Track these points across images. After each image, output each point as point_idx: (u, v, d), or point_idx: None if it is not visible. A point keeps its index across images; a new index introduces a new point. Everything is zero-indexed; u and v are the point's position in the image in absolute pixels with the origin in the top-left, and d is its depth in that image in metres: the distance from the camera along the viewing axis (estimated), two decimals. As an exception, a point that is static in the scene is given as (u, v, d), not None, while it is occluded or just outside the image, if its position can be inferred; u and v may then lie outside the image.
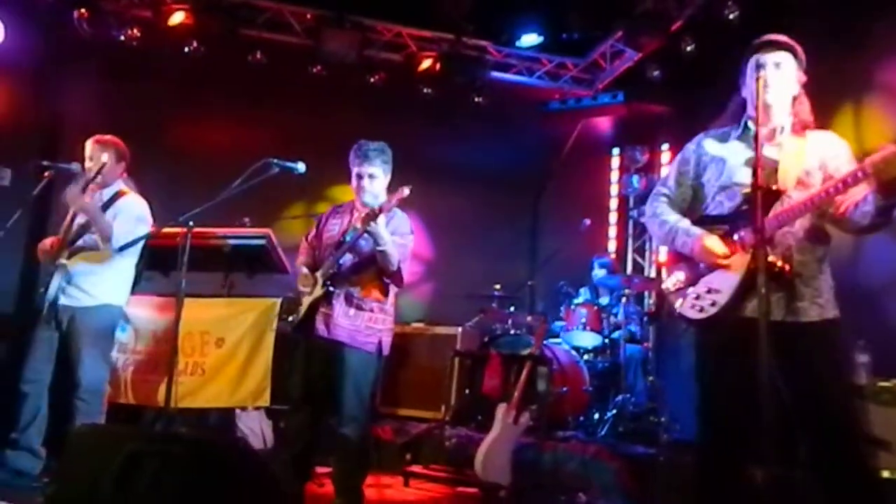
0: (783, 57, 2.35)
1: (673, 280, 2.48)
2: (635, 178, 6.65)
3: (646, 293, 6.20)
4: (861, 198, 2.16)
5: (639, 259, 6.88)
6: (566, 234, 6.12)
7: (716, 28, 4.61)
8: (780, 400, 2.73)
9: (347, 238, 3.17)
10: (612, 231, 6.97)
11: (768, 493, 3.32)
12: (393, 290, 3.29)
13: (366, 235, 3.04)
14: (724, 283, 2.26)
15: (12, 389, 3.40)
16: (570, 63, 6.39)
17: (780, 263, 2.17)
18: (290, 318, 3.28)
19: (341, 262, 3.17)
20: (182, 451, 2.14)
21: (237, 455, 2.27)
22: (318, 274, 3.20)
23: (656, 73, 5.51)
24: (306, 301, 3.21)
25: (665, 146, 6.57)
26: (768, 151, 2.33)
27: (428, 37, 6.04)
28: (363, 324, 3.17)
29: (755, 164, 2.09)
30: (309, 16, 5.79)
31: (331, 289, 3.14)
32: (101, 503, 2.04)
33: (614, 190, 6.95)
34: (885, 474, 3.32)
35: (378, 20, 5.93)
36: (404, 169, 5.92)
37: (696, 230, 2.38)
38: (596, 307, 5.23)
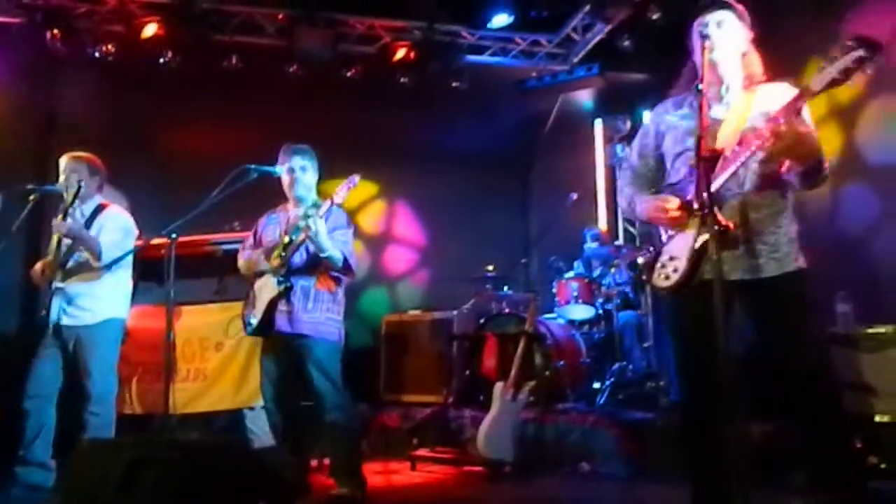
0: (724, 15, 2.38)
1: (643, 254, 2.56)
2: (619, 148, 6.68)
3: (638, 259, 6.25)
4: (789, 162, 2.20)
5: (630, 228, 6.93)
6: (556, 209, 6.18)
7: (681, -6, 4.62)
8: (742, 356, 2.82)
9: (293, 236, 3.27)
10: (602, 202, 7.01)
11: (751, 446, 3.44)
12: (344, 280, 3.43)
13: (307, 240, 3.17)
14: (681, 251, 2.30)
15: (18, 408, 3.51)
16: (543, 40, 6.40)
17: (724, 222, 2.16)
18: (251, 321, 3.37)
19: (292, 259, 3.28)
20: (180, 457, 2.23)
21: (235, 456, 2.37)
22: (269, 273, 3.32)
23: (626, 43, 5.53)
24: (263, 300, 3.31)
25: (646, 113, 6.58)
26: (715, 112, 2.38)
27: (400, 27, 6.06)
28: (322, 315, 3.31)
29: (698, 129, 2.12)
30: (280, 16, 5.81)
31: (288, 285, 3.26)
32: (105, 511, 2.14)
33: (600, 161, 6.99)
34: (877, 419, 3.42)
35: (349, 14, 5.94)
36: (390, 158, 6.06)
37: (649, 196, 2.43)
38: (587, 280, 5.29)
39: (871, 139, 4.41)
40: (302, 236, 3.18)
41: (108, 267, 3.57)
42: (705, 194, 2.09)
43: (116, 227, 3.66)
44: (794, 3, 4.77)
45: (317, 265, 3.30)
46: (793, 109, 2.09)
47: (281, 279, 3.27)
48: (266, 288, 3.33)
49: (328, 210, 3.22)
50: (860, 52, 1.97)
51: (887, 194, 4.31)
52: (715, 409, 2.28)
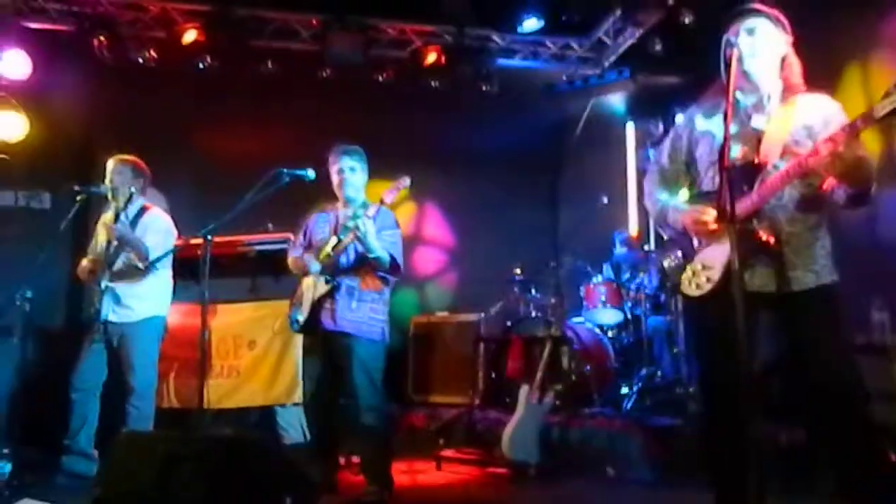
0: (756, 22, 2.33)
1: (670, 258, 2.55)
2: (651, 152, 6.63)
3: (665, 263, 6.19)
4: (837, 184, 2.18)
5: (661, 232, 6.87)
6: (586, 212, 6.17)
7: (713, -3, 4.58)
8: (772, 364, 2.80)
9: (342, 236, 3.34)
10: (632, 205, 6.97)
11: (775, 456, 3.41)
12: (391, 280, 3.47)
13: (355, 241, 3.23)
14: (715, 260, 2.30)
15: (64, 400, 3.68)
16: (574, 44, 6.40)
17: (764, 237, 2.19)
18: (298, 317, 3.45)
19: (339, 258, 3.35)
20: (214, 451, 2.33)
21: (265, 451, 2.45)
22: (318, 271, 3.39)
23: (658, 47, 5.50)
24: (308, 297, 3.39)
25: (679, 117, 6.53)
26: (756, 122, 2.35)
27: (431, 31, 6.13)
28: (366, 315, 3.36)
29: (722, 141, 2.10)
30: (314, 21, 5.93)
31: (334, 283, 3.33)
32: (143, 501, 2.24)
33: (631, 164, 6.95)
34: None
35: (381, 19, 6.03)
36: (420, 161, 6.12)
37: (685, 205, 2.42)
38: (615, 284, 5.29)
39: (910, 146, 4.32)
40: (350, 236, 3.24)
41: (154, 266, 3.71)
42: (741, 205, 2.07)
43: (159, 230, 3.80)
44: (829, 4, 4.68)
45: (363, 265, 3.36)
46: (853, 133, 2.05)
47: (328, 278, 3.34)
48: (313, 286, 3.41)
49: (377, 211, 3.28)
50: None
51: (926, 202, 4.21)
52: (738, 417, 2.29)
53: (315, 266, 3.41)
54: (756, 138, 2.32)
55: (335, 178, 3.49)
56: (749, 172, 2.28)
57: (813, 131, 2.28)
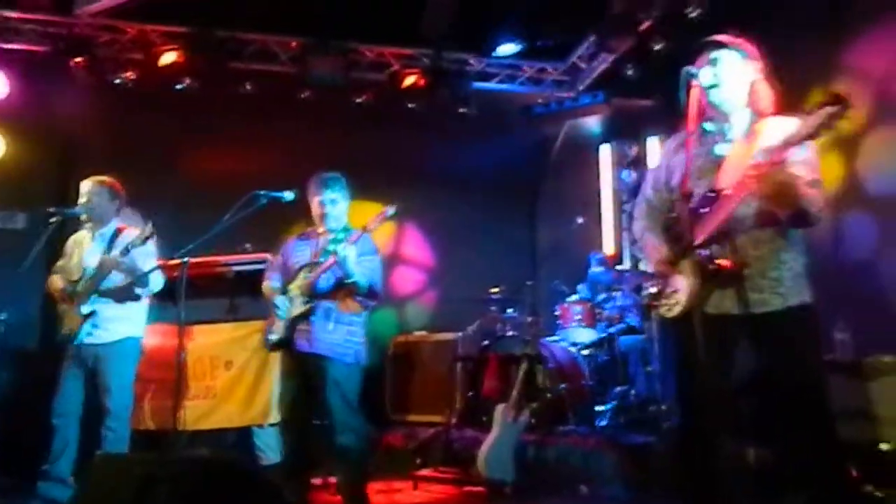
0: (719, 54, 2.40)
1: (650, 285, 2.61)
2: (625, 173, 6.77)
3: (644, 286, 6.31)
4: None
5: (637, 252, 6.99)
6: (563, 232, 6.28)
7: (683, 25, 4.74)
8: (745, 383, 2.88)
9: (321, 259, 3.36)
10: (608, 226, 7.09)
11: (746, 471, 3.49)
12: (369, 305, 3.49)
13: (335, 266, 3.26)
14: (681, 284, 2.36)
15: (41, 423, 3.63)
16: (549, 68, 6.55)
17: (721, 262, 2.26)
18: (271, 337, 3.46)
19: (318, 281, 3.36)
20: (190, 473, 2.34)
21: (241, 472, 2.46)
22: (296, 294, 3.41)
23: (631, 72, 5.66)
24: (287, 318, 3.40)
25: (653, 138, 6.69)
26: (719, 149, 2.43)
27: (409, 54, 6.24)
28: (342, 337, 3.38)
29: (685, 170, 2.20)
30: (294, 44, 6.01)
31: (311, 305, 3.35)
32: (118, 524, 2.24)
33: (606, 186, 7.08)
34: (884, 447, 3.45)
35: (360, 42, 6.13)
36: (399, 181, 6.20)
37: (652, 239, 2.52)
38: (590, 303, 5.37)
39: (873, 169, 4.47)
40: (330, 260, 3.26)
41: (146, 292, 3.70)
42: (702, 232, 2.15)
43: (149, 253, 3.78)
44: (796, 35, 4.86)
45: (342, 288, 3.37)
46: (776, 158, 2.13)
47: (305, 299, 3.36)
48: (290, 307, 3.42)
49: (359, 237, 3.29)
50: (833, 109, 2.02)
51: (889, 224, 4.36)
52: (711, 433, 2.34)
53: (279, 305, 3.42)
54: (717, 165, 2.40)
55: (316, 209, 3.51)
56: (710, 199, 2.35)
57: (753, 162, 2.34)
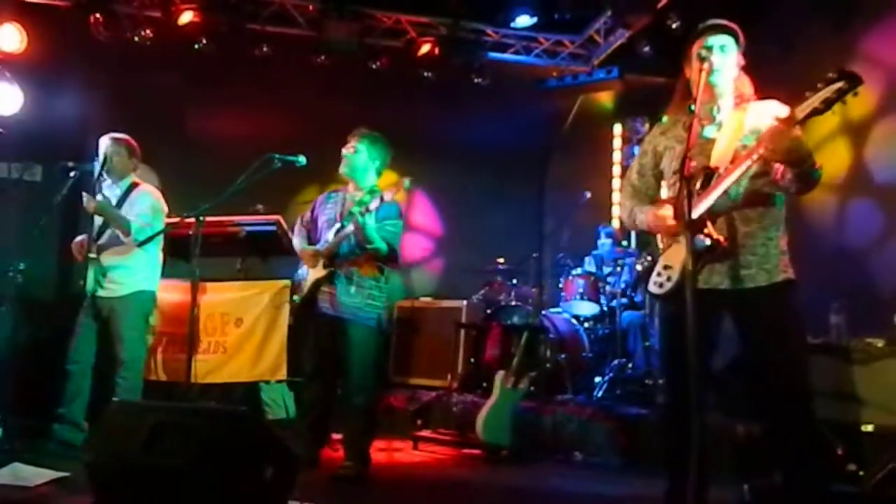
0: (728, 40, 2.47)
1: (643, 261, 2.70)
2: (637, 149, 6.78)
3: (637, 266, 6.36)
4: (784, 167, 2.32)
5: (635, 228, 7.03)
6: (571, 206, 6.33)
7: (700, 4, 4.71)
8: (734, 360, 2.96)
9: (345, 224, 3.45)
10: (617, 202, 7.13)
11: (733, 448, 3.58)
12: (389, 269, 3.59)
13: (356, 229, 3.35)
14: (675, 260, 2.44)
15: (56, 370, 3.79)
16: (566, 41, 6.53)
17: (716, 236, 2.34)
18: (295, 297, 3.60)
19: (341, 245, 3.47)
20: (199, 421, 2.46)
21: (248, 423, 2.59)
22: (320, 255, 3.51)
23: (646, 48, 5.64)
24: (310, 280, 3.53)
25: (666, 117, 6.67)
26: (707, 131, 2.50)
27: (426, 22, 6.23)
28: (363, 301, 3.49)
29: (684, 149, 2.27)
30: (311, 7, 6.02)
31: (332, 269, 3.46)
32: (131, 467, 2.38)
33: (617, 161, 7.10)
34: (862, 428, 3.55)
35: (377, 9, 6.12)
36: (411, 149, 6.21)
37: (648, 207, 2.57)
38: (594, 277, 5.45)
39: (880, 157, 4.50)
40: (350, 227, 3.37)
41: (141, 244, 3.81)
42: (697, 209, 2.21)
43: (146, 206, 3.89)
44: (810, 20, 4.84)
45: (364, 252, 3.47)
46: (789, 122, 2.19)
47: (326, 262, 3.48)
48: (314, 269, 3.55)
49: (380, 203, 3.37)
50: (840, 84, 2.08)
51: (891, 212, 4.40)
52: (696, 408, 2.43)
53: (305, 264, 3.52)
54: (709, 146, 2.47)
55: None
56: (704, 178, 2.42)
57: (760, 133, 2.39)
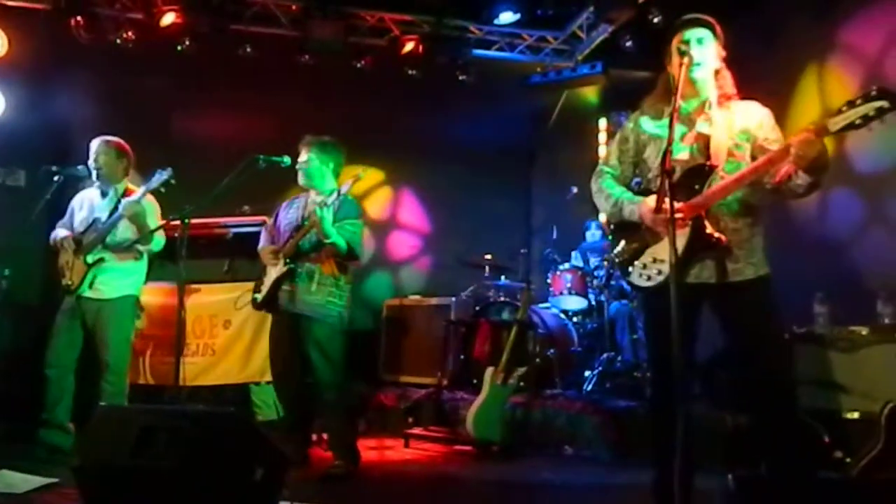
0: (704, 33, 2.50)
1: (620, 248, 2.71)
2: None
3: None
4: (791, 171, 2.33)
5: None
6: (558, 202, 6.34)
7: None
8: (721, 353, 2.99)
9: (305, 223, 3.49)
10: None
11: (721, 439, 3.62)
12: (351, 267, 3.61)
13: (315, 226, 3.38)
14: (664, 254, 2.44)
15: (40, 375, 3.76)
16: (549, 36, 6.55)
17: (716, 235, 2.39)
18: (256, 296, 3.61)
19: (302, 243, 3.48)
20: (188, 424, 2.46)
21: (237, 425, 2.59)
22: (280, 254, 3.53)
23: (629, 43, 5.67)
24: (270, 278, 3.53)
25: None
26: (700, 126, 2.52)
27: (409, 20, 6.23)
28: (324, 298, 3.50)
29: (667, 144, 2.28)
30: (294, 7, 6.00)
31: (293, 266, 3.47)
32: (120, 471, 2.37)
33: (602, 156, 7.11)
34: (846, 415, 3.60)
35: (361, 7, 6.12)
36: (397, 147, 6.25)
37: (640, 198, 2.56)
38: (581, 271, 5.47)
39: (860, 147, 4.54)
40: (311, 222, 3.39)
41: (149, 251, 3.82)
42: (691, 203, 2.26)
43: (152, 213, 3.87)
44: (791, 10, 4.87)
45: (324, 250, 3.49)
46: (821, 132, 2.21)
47: (287, 260, 3.49)
48: (274, 267, 3.55)
49: (336, 200, 3.40)
50: (882, 103, 2.09)
51: (872, 201, 4.45)
52: (681, 399, 2.46)
53: (268, 260, 3.56)
54: (704, 141, 2.49)
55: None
56: (699, 173, 2.46)
57: (750, 134, 2.48)
